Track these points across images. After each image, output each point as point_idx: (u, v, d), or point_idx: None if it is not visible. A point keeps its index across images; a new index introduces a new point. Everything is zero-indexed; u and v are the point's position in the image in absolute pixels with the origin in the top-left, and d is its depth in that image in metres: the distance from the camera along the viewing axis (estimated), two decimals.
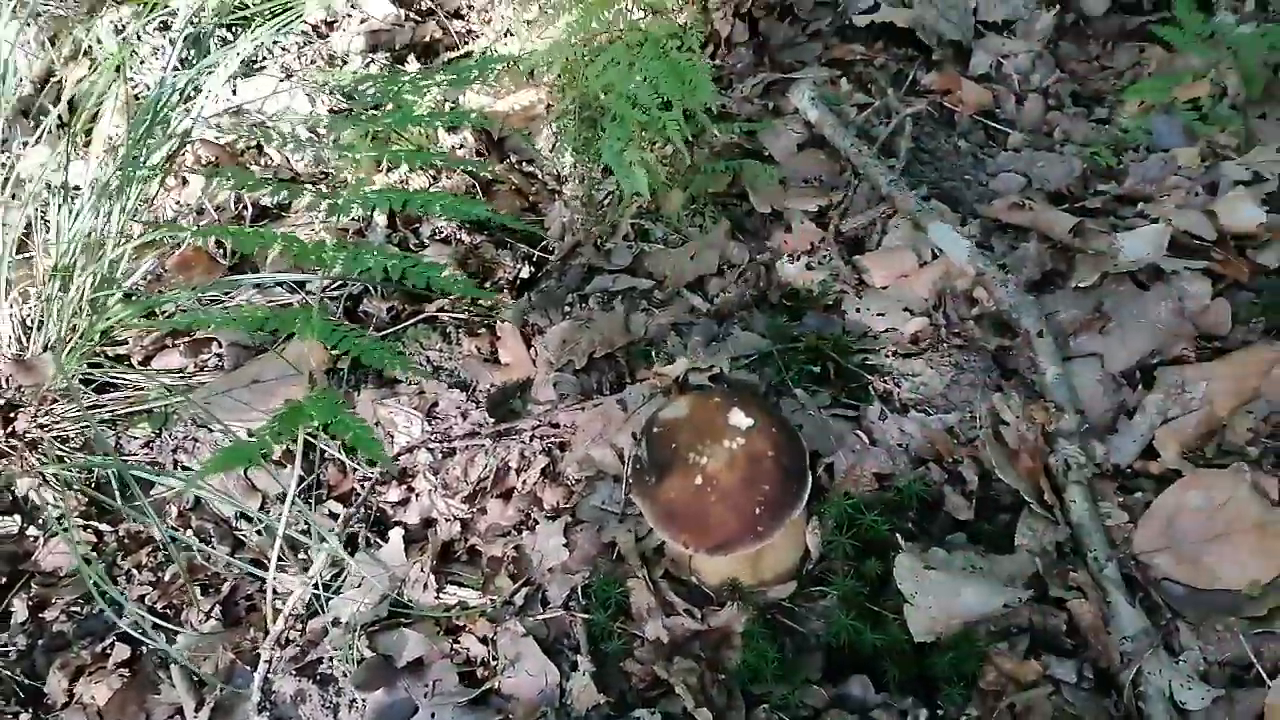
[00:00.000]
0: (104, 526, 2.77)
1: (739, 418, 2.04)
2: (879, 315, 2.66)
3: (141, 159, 3.16)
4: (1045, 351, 2.40)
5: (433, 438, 2.63)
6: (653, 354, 2.66)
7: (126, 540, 2.74)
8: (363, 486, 2.64)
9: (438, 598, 2.30)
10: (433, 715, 2.08)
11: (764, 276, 2.81)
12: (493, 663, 2.18)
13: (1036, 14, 3.81)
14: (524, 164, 3.61)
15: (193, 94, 3.81)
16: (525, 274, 3.16)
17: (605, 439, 2.46)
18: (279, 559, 2.47)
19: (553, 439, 2.59)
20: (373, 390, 2.81)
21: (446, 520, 2.49)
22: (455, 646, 2.21)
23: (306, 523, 2.56)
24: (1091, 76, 3.71)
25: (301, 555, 2.52)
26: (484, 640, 2.21)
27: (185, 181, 3.69)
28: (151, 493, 2.82)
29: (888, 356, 2.57)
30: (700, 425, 2.05)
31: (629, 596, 2.17)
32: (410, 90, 2.69)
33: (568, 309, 2.85)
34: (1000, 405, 2.38)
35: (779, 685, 2.00)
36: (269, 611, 2.27)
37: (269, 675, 2.24)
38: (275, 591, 2.31)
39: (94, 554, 2.73)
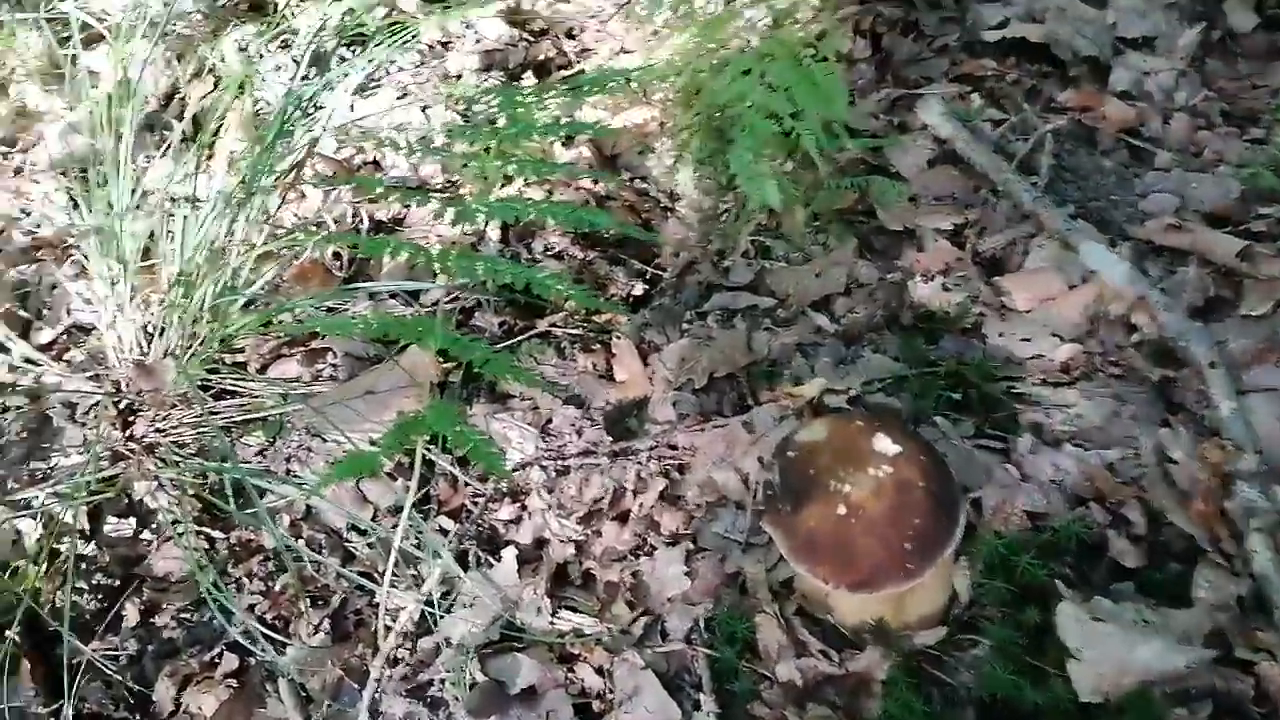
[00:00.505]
0: (216, 533, 2.75)
1: (884, 443, 1.88)
2: (1024, 340, 2.47)
3: (264, 171, 3.19)
4: (1218, 384, 2.17)
5: (547, 455, 2.53)
6: (776, 375, 2.52)
7: (238, 548, 2.71)
8: (474, 503, 2.55)
9: (551, 623, 2.18)
10: None
11: (895, 297, 2.64)
12: (609, 695, 2.05)
13: (1179, 30, 3.57)
14: (636, 180, 3.53)
15: (313, 110, 3.86)
16: (638, 291, 3.06)
17: (729, 462, 2.32)
18: (378, 572, 2.40)
19: (671, 460, 2.46)
20: (485, 405, 2.73)
21: (560, 541, 2.38)
22: (570, 676, 2.09)
23: (418, 537, 2.48)
24: (1242, 95, 3.45)
25: (411, 571, 2.44)
26: (600, 671, 2.08)
27: (304, 195, 3.72)
28: (264, 500, 2.80)
29: (1036, 385, 2.37)
30: (842, 450, 1.90)
31: (756, 633, 2.02)
32: (527, 104, 2.64)
33: (686, 326, 2.74)
34: (1168, 442, 2.16)
35: None
36: (380, 628, 2.19)
37: (377, 695, 2.15)
38: (386, 608, 2.23)
39: (206, 561, 2.70)
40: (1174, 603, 1.94)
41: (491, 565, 2.36)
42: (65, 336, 3.43)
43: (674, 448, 2.49)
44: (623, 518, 2.40)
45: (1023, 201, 2.67)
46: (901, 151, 3.03)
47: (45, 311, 3.55)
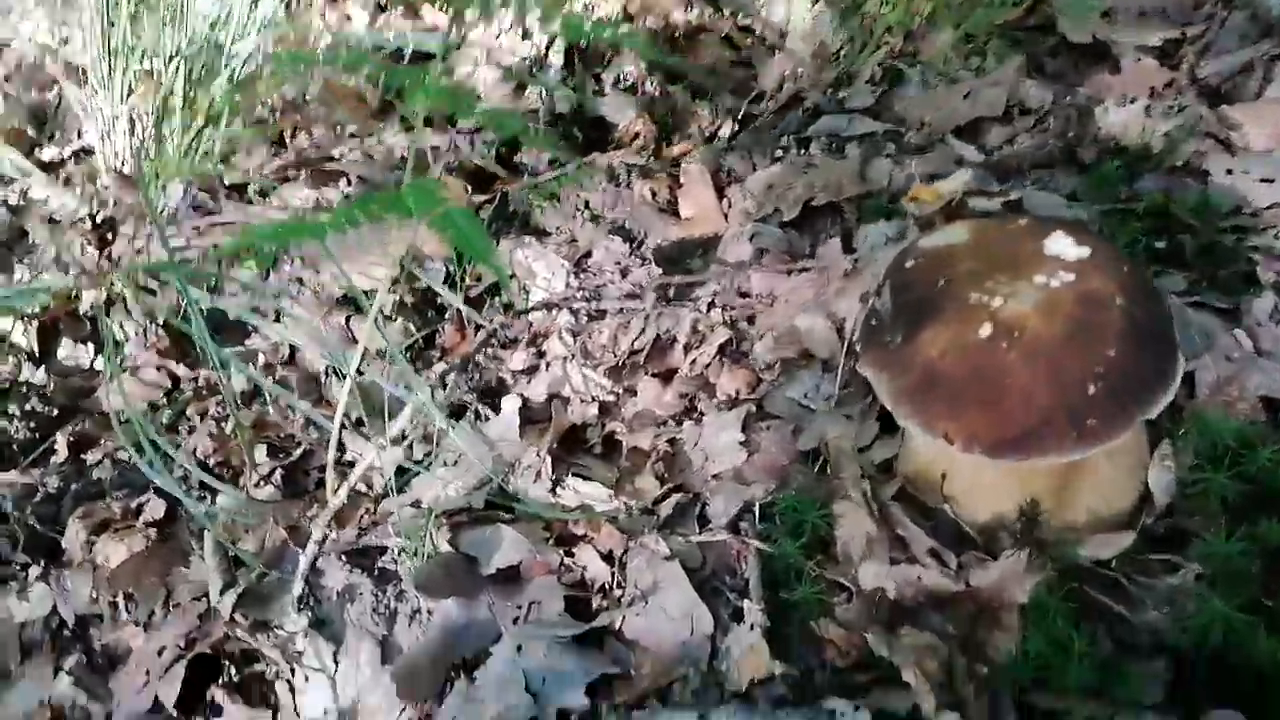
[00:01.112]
0: (181, 370, 2.31)
1: (1063, 244, 1.25)
2: (1263, 182, 1.77)
3: None
4: None
5: (579, 294, 1.97)
6: (896, 213, 1.88)
7: (203, 389, 2.25)
8: (485, 352, 2.02)
9: (554, 493, 1.64)
10: (519, 649, 1.41)
11: (1076, 124, 1.97)
12: (617, 591, 1.49)
13: None
14: (739, 15, 2.91)
15: None
16: (727, 130, 2.46)
17: (820, 306, 1.71)
18: (360, 422, 1.90)
19: (739, 309, 1.87)
20: (514, 238, 2.20)
21: (582, 400, 1.83)
22: (567, 561, 1.54)
23: (407, 384, 1.97)
24: None
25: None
26: (608, 558, 1.53)
27: (349, 18, 3.26)
28: (247, 342, 2.35)
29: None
30: (993, 253, 1.28)
31: (835, 525, 1.42)
32: None
33: (780, 153, 2.13)
34: None
35: (1085, 701, 1.18)
36: (329, 478, 1.68)
37: (318, 562, 1.64)
38: (341, 453, 1.72)
39: (164, 400, 2.27)
40: None
41: (488, 420, 1.82)
42: (71, 158, 3.09)
43: (745, 295, 1.90)
44: (666, 376, 1.83)
45: (1269, 7, 1.94)
46: None
47: (58, 134, 3.23)
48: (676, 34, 2.81)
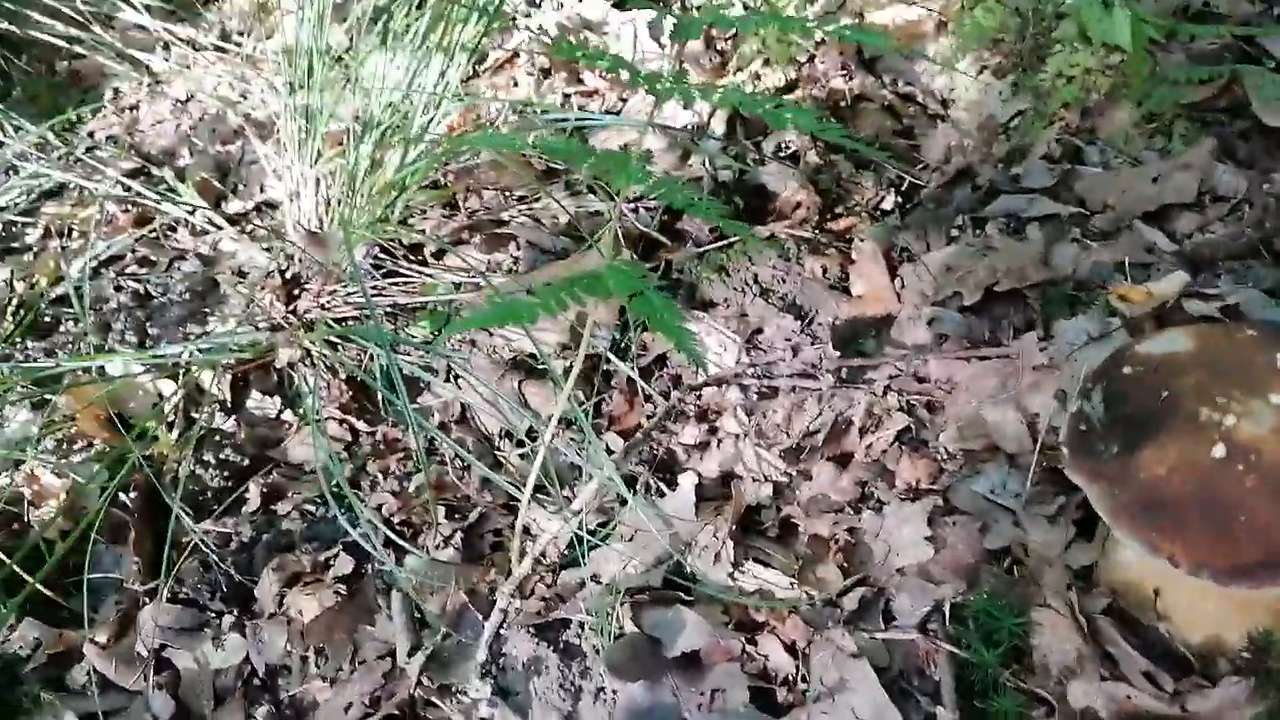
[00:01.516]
0: (362, 425, 2.44)
1: None
2: None
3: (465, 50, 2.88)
4: None
5: (750, 370, 2.01)
6: (1082, 303, 1.85)
7: (381, 445, 2.38)
8: (655, 424, 2.07)
9: (732, 576, 1.66)
10: None
11: (1272, 215, 1.90)
12: (801, 685, 1.50)
13: None
14: (900, 83, 2.93)
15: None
16: (889, 204, 2.46)
17: (1010, 399, 1.69)
18: (539, 489, 1.97)
19: (918, 394, 1.87)
20: (699, 316, 2.24)
21: (755, 479, 1.85)
22: (750, 649, 1.56)
23: (582, 451, 2.04)
24: None
25: (567, 492, 1.99)
26: (791, 649, 1.54)
27: (515, 83, 3.42)
28: (419, 399, 2.47)
29: None
30: (1220, 367, 1.25)
31: (1032, 634, 1.39)
32: None
33: (955, 233, 2.13)
34: None
35: None
36: (515, 548, 1.75)
37: (502, 629, 1.71)
38: (527, 528, 1.79)
39: (345, 454, 2.40)
40: None
41: (663, 495, 1.87)
42: (255, 211, 3.32)
43: (923, 379, 1.89)
44: (842, 460, 1.84)
45: None
46: None
47: (241, 187, 3.47)
48: (839, 102, 2.84)
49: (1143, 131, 2.25)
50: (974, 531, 1.60)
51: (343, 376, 2.51)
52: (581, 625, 1.65)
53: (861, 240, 2.17)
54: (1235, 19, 2.42)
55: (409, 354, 2.58)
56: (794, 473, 1.85)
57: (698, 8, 3.31)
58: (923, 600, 1.53)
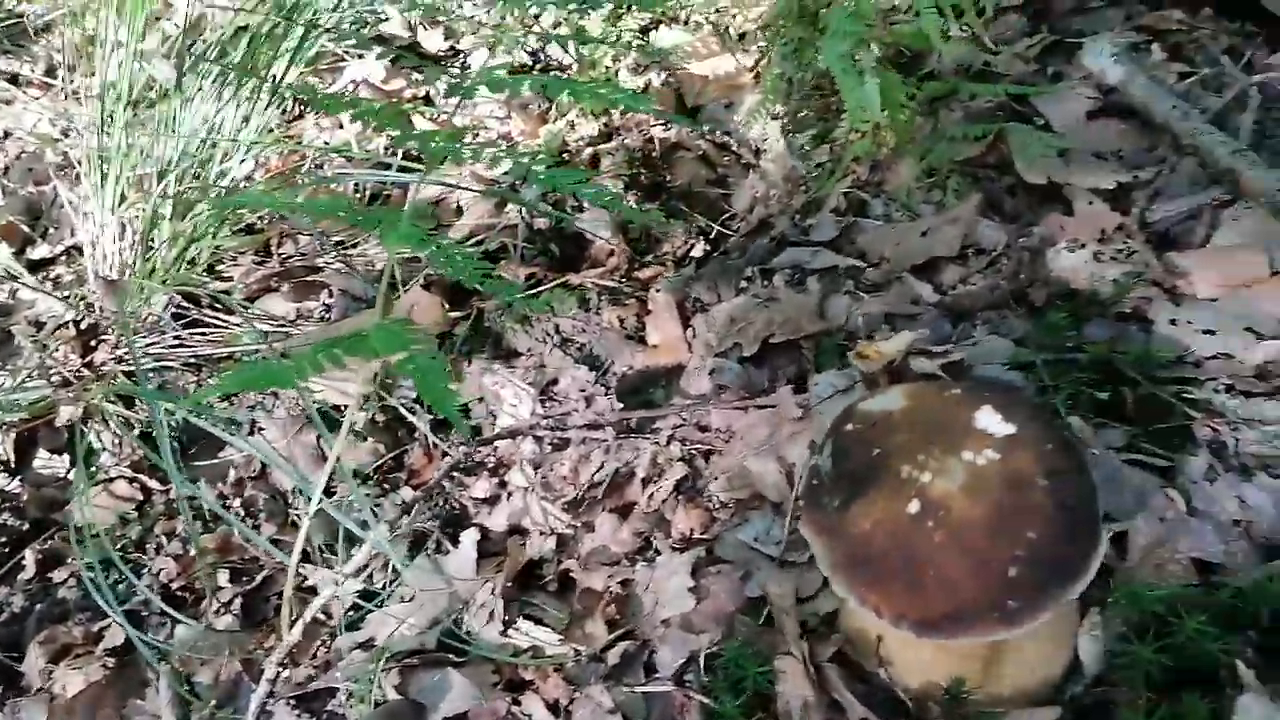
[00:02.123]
0: (154, 484, 2.36)
1: (992, 420, 1.31)
2: (1205, 333, 1.83)
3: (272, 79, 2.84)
4: None
5: (544, 422, 2.03)
6: (850, 350, 1.95)
7: (176, 506, 2.30)
8: (449, 478, 2.07)
9: (505, 634, 1.66)
10: None
11: (1027, 267, 2.04)
12: None
13: None
14: (718, 133, 3.03)
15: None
16: (699, 251, 2.54)
17: (772, 450, 1.76)
18: (318, 548, 1.94)
19: (698, 445, 1.92)
20: (485, 361, 2.26)
21: (541, 532, 1.87)
22: (514, 710, 1.56)
23: (375, 510, 2.02)
24: None
25: (355, 552, 1.96)
26: (554, 708, 1.55)
27: (341, 125, 3.38)
28: (221, 454, 2.40)
29: (1220, 392, 1.73)
30: (926, 424, 1.33)
31: (775, 682, 1.44)
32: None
33: (744, 284, 2.21)
34: None
35: None
36: (284, 615, 1.71)
37: (268, 701, 1.67)
38: (298, 589, 1.76)
39: (135, 514, 2.31)
40: None
41: (447, 552, 1.86)
42: (64, 256, 3.18)
43: (704, 429, 1.95)
44: (624, 510, 1.87)
45: (1217, 157, 2.04)
46: (1055, 102, 2.44)
47: (52, 230, 3.32)
48: (652, 152, 2.92)
49: (922, 185, 2.38)
50: (735, 580, 1.65)
51: (136, 433, 2.42)
52: (348, 695, 1.63)
53: (658, 291, 2.23)
54: (1011, 78, 2.60)
55: (210, 408, 2.51)
56: (578, 525, 1.87)
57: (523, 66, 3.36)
58: (681, 651, 1.57)
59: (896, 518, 1.25)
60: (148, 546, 2.18)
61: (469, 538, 1.83)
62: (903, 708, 1.38)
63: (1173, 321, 1.88)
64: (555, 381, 2.11)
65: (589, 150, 2.92)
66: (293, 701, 1.64)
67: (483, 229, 2.73)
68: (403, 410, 2.22)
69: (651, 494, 1.86)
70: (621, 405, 1.99)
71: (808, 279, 2.15)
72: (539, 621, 1.69)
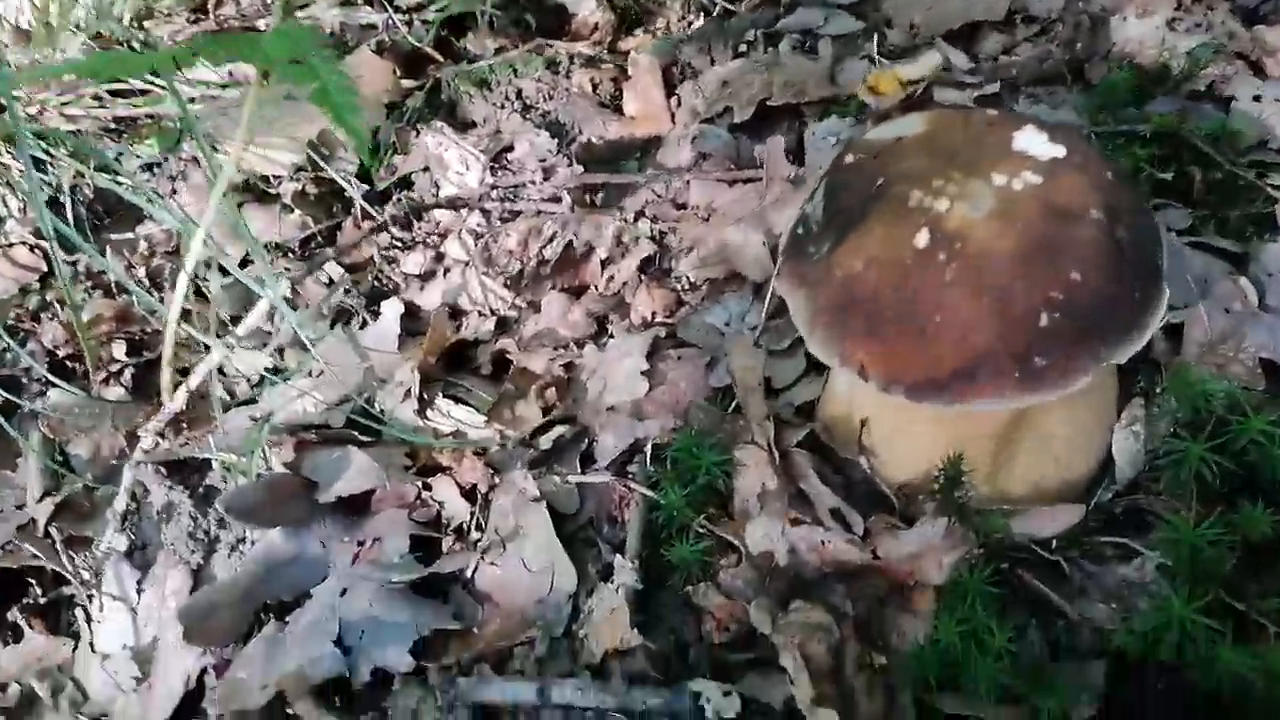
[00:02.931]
0: (62, 254, 2.08)
1: (1035, 140, 1.00)
2: None
3: None
4: None
5: (494, 194, 1.73)
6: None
7: (85, 277, 2.03)
8: (382, 253, 1.79)
9: (423, 415, 1.41)
10: (343, 593, 1.20)
11: (1084, 36, 1.70)
12: (475, 535, 1.27)
13: None
14: None
15: None
16: (700, 23, 2.18)
17: (757, 220, 1.47)
18: (233, 319, 1.68)
19: (673, 222, 1.62)
20: (438, 127, 1.94)
21: (480, 313, 1.60)
22: (425, 495, 1.32)
23: (296, 285, 1.75)
24: None
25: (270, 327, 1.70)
26: (471, 494, 1.31)
27: None
28: (139, 228, 2.12)
29: None
30: (947, 147, 1.03)
31: (734, 475, 1.19)
32: None
33: (745, 47, 1.86)
34: None
35: (1000, 708, 0.97)
36: (164, 378, 1.46)
37: (141, 474, 1.43)
38: (173, 355, 1.50)
39: (36, 285, 2.05)
40: None
41: (366, 326, 1.60)
42: None
43: (681, 206, 1.65)
44: (577, 291, 1.60)
45: None
46: None
47: None
48: None
49: None
50: (699, 366, 1.39)
51: (45, 199, 2.13)
52: (227, 468, 1.38)
53: (640, 53, 1.89)
54: None
55: (132, 174, 2.21)
56: (522, 305, 1.60)
57: None
58: (626, 438, 1.32)
59: (898, 252, 0.96)
60: (43, 317, 1.93)
61: (391, 308, 1.57)
62: (885, 504, 1.13)
63: (1257, 98, 1.55)
64: (510, 149, 1.80)
65: None
66: (164, 470, 1.40)
67: None
68: (340, 180, 1.92)
69: (612, 275, 1.59)
70: (582, 170, 1.68)
71: (819, 44, 1.81)
72: (464, 402, 1.43)
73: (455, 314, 1.64)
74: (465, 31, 2.31)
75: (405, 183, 1.92)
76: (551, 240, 1.60)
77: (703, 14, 2.23)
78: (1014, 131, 1.02)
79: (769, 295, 1.39)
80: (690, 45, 1.88)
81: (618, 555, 1.19)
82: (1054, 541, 1.06)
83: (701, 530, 1.19)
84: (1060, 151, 0.99)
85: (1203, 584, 0.97)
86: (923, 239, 0.95)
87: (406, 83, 2.18)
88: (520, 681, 1.10)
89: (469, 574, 1.24)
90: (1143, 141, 1.48)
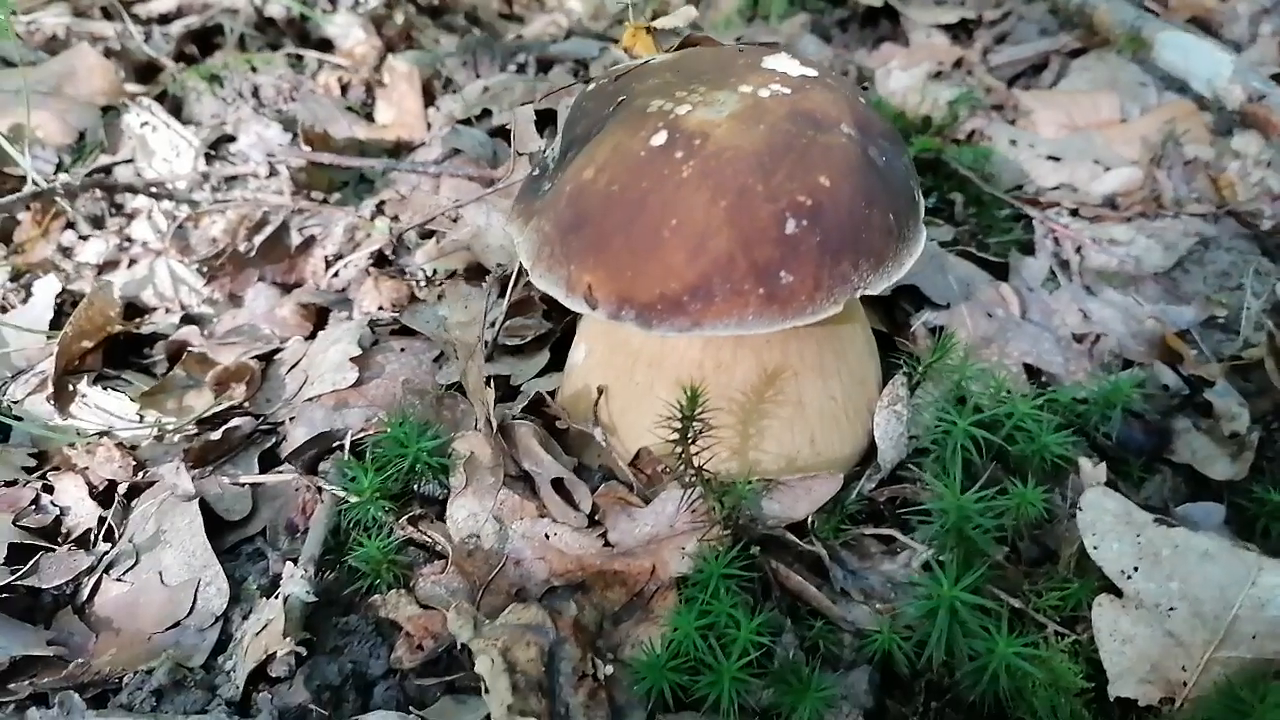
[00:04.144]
0: None
1: (786, 62, 0.92)
2: (1050, 160, 1.56)
3: None
4: None
5: (205, 183, 1.51)
6: None
7: None
8: (64, 251, 1.50)
9: (58, 408, 1.12)
10: None
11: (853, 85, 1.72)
12: (103, 548, 0.99)
13: None
14: None
15: None
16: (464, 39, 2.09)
17: (502, 199, 1.32)
18: None
19: (415, 216, 1.46)
20: (145, 105, 1.70)
21: (167, 307, 1.35)
22: (46, 499, 1.02)
23: None
24: None
25: None
26: (105, 497, 1.02)
27: None
28: None
29: (1063, 214, 1.44)
30: (695, 68, 0.93)
31: (451, 470, 0.99)
32: None
33: (513, 68, 1.78)
34: None
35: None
36: None
37: None
38: None
39: None
40: None
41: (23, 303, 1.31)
42: None
43: (429, 204, 1.49)
44: (291, 286, 1.38)
45: None
46: None
47: None
48: None
49: (746, 15, 2.06)
50: (426, 360, 1.19)
51: None
52: None
53: (396, 57, 1.76)
54: None
55: None
56: (221, 298, 1.36)
57: None
58: (318, 426, 1.09)
59: (631, 152, 0.83)
60: None
61: (45, 288, 1.29)
62: (622, 475, 0.95)
63: (1013, 142, 1.59)
64: (232, 139, 1.59)
65: None
66: None
67: (195, 7, 2.18)
68: (27, 170, 1.63)
69: (337, 271, 1.38)
70: (306, 162, 1.50)
71: (591, 65, 1.75)
72: (117, 393, 1.15)
73: (138, 309, 1.37)
74: (214, 48, 2.12)
75: (105, 172, 1.66)
76: (260, 228, 1.38)
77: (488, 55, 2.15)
78: (766, 56, 0.94)
79: (511, 285, 1.23)
80: (455, 59, 1.77)
81: (289, 564, 0.94)
82: (813, 523, 0.91)
83: (402, 531, 0.96)
84: (812, 72, 0.92)
85: (972, 564, 0.85)
86: (659, 138, 0.83)
87: (133, 87, 1.94)
88: (123, 717, 0.82)
89: (86, 591, 0.95)
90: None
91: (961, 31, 1.93)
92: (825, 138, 0.83)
